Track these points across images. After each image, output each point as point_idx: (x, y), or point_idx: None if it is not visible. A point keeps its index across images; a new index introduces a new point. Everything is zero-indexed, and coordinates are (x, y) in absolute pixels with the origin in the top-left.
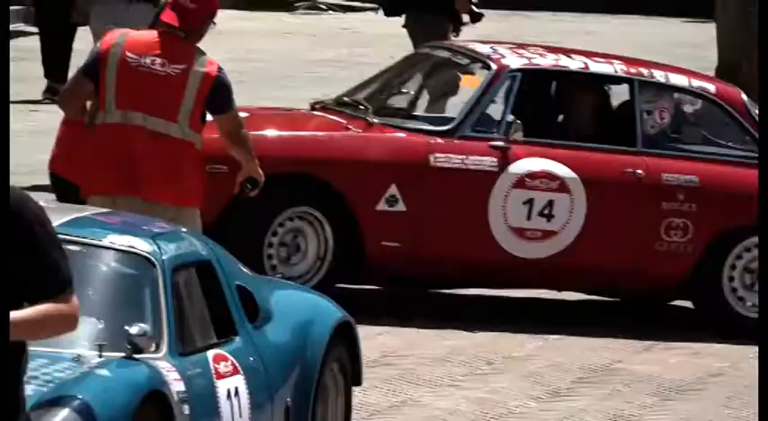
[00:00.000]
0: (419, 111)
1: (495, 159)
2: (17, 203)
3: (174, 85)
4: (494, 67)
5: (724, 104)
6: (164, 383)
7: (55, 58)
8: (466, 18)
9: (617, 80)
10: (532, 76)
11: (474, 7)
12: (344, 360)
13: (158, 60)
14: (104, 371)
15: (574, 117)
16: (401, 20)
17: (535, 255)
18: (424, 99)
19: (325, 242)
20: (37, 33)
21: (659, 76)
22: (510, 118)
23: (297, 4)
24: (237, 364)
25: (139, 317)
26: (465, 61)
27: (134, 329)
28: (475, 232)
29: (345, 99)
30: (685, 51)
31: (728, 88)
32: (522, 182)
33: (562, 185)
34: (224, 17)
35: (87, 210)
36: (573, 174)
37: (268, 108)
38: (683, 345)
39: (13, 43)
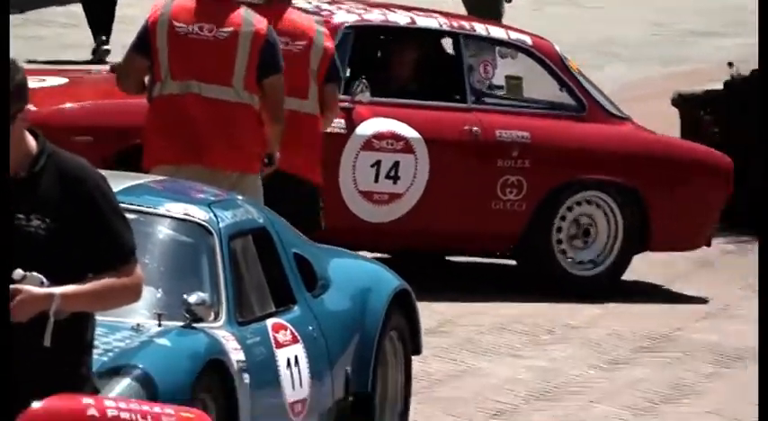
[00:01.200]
0: None
1: (343, 121)
2: (78, 172)
3: (225, 50)
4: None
5: (541, 56)
6: (223, 352)
7: (101, 19)
8: None
9: (443, 34)
10: (364, 33)
11: None
12: (403, 328)
13: (206, 26)
14: (164, 340)
15: (406, 74)
16: None
17: (382, 219)
18: None
19: None
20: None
21: (480, 29)
22: (347, 75)
23: None
24: (296, 333)
25: (197, 285)
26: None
27: (192, 298)
28: (327, 198)
29: None
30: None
31: (543, 40)
32: (369, 143)
33: (407, 146)
34: None
35: (142, 178)
36: (417, 134)
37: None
38: (742, 314)
39: (64, 9)
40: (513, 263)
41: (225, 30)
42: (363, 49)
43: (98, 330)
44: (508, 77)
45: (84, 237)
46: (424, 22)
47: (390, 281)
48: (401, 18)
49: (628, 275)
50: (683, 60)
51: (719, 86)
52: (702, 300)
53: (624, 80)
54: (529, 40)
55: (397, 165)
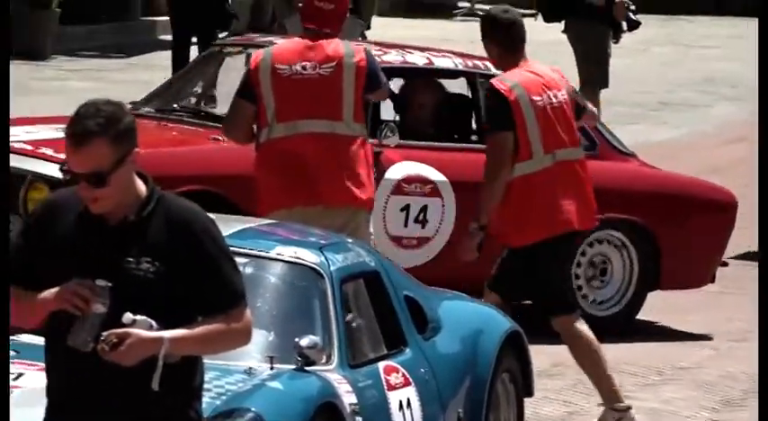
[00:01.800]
0: None
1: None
2: (187, 216)
3: (331, 84)
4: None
5: None
6: (335, 395)
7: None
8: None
9: (458, 74)
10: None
11: (631, 14)
12: (515, 370)
13: (308, 64)
14: (276, 384)
15: (426, 115)
16: (560, 26)
17: (412, 263)
18: None
19: None
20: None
21: (494, 68)
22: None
23: (455, 11)
24: (409, 375)
25: (309, 328)
26: None
27: (304, 341)
28: None
29: (172, 106)
30: None
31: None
32: (399, 187)
33: (434, 189)
34: (382, 23)
35: (252, 222)
36: (443, 178)
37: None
38: None
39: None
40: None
41: (328, 65)
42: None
43: (211, 374)
44: None
45: (194, 280)
46: (440, 62)
47: (502, 323)
48: (418, 59)
49: (738, 315)
50: None
51: None
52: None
53: (730, 119)
54: None
55: (425, 208)
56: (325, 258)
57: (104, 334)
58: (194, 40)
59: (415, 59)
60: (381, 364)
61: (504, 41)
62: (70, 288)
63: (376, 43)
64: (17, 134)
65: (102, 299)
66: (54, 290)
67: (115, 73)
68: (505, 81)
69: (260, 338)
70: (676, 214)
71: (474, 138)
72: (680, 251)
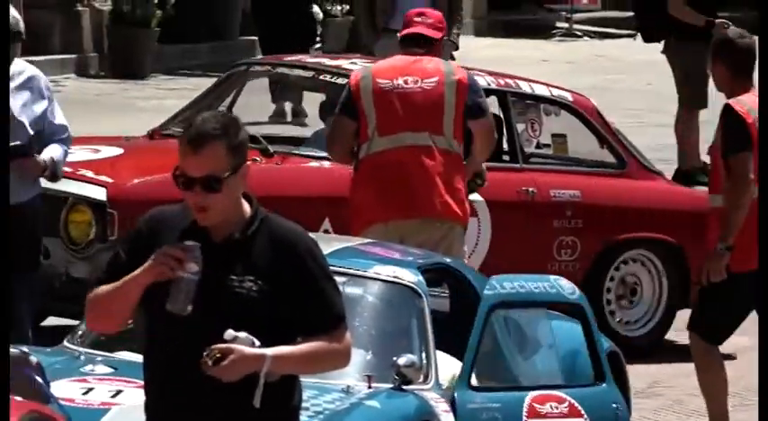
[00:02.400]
0: (311, 137)
1: None
2: (291, 236)
3: (433, 98)
4: None
5: (583, 113)
6: (432, 414)
7: None
8: None
9: (490, 93)
10: None
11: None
12: None
13: (410, 78)
14: (374, 402)
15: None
16: (659, 46)
17: None
18: (316, 123)
19: None
20: None
21: (525, 86)
22: None
23: (554, 31)
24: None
25: (407, 347)
26: (342, 81)
27: (402, 360)
28: None
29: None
30: None
31: (582, 97)
32: None
33: (471, 209)
34: (480, 44)
35: (351, 241)
36: (479, 197)
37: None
38: None
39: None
40: None
41: (430, 80)
42: None
43: (308, 392)
44: (554, 135)
45: (297, 300)
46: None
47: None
48: None
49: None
50: None
51: None
52: None
53: None
54: (570, 97)
55: None
56: (423, 277)
57: (208, 349)
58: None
59: None
60: (534, 392)
61: (737, 65)
62: (161, 252)
63: None
64: None
65: (195, 257)
66: (144, 265)
67: None
68: (743, 104)
69: (358, 357)
70: (704, 232)
71: (505, 158)
72: None
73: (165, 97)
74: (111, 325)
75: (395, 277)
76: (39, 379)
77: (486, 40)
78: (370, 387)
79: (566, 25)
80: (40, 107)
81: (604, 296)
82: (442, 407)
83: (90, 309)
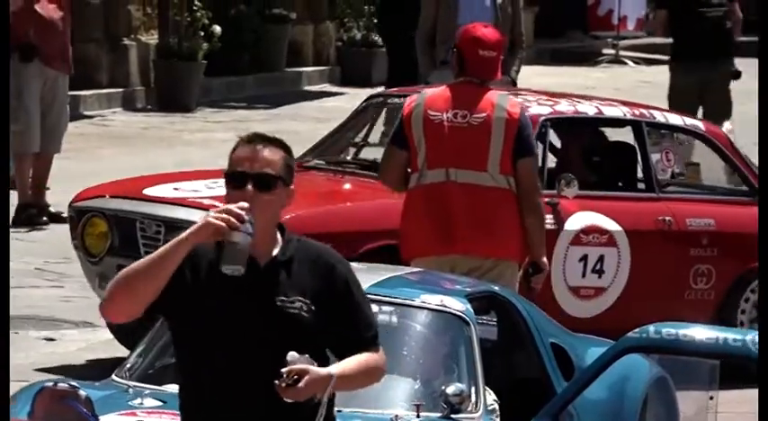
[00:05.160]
0: None
1: (552, 216)
2: (329, 258)
3: (479, 135)
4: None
5: (715, 142)
6: None
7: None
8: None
9: (626, 123)
10: (558, 125)
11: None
12: (662, 417)
13: (459, 113)
14: None
15: (596, 164)
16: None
17: (588, 314)
18: None
19: None
20: (340, 94)
21: (659, 116)
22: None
23: (600, 58)
24: None
25: (455, 376)
26: None
27: (450, 389)
28: (540, 294)
29: (342, 158)
30: None
31: (713, 126)
32: (578, 238)
33: (610, 239)
34: (530, 73)
35: (399, 271)
36: (618, 227)
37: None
38: None
39: (318, 103)
40: None
41: (479, 115)
42: (557, 141)
43: None
44: (688, 164)
45: (340, 318)
46: (609, 111)
47: (647, 368)
48: (589, 108)
49: None
50: None
51: None
52: None
53: None
54: (702, 126)
55: (602, 258)
56: (471, 306)
57: (284, 371)
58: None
59: (585, 109)
60: None
61: None
62: (221, 209)
63: (544, 93)
64: (198, 189)
65: (250, 218)
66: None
67: (260, 124)
68: None
69: (406, 386)
70: None
71: (641, 186)
72: None
73: (212, 130)
74: (129, 307)
75: (442, 306)
76: (87, 412)
77: (534, 69)
78: (418, 416)
79: (612, 52)
80: None
81: (738, 322)
82: None
83: (113, 289)
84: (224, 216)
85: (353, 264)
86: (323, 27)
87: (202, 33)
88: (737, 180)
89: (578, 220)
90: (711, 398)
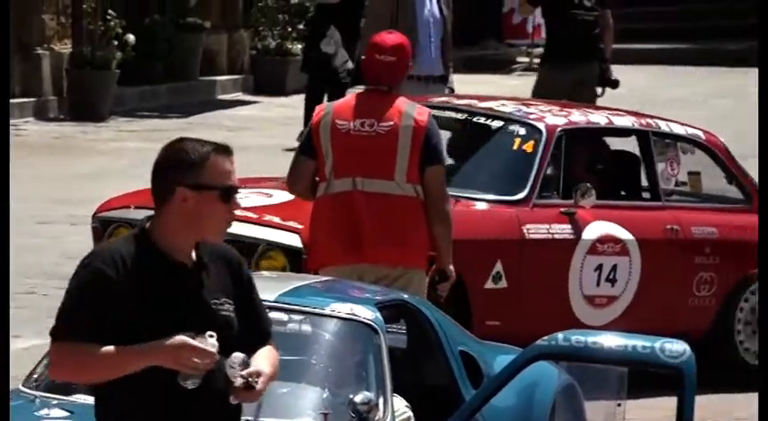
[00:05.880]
0: (464, 178)
1: (570, 226)
2: (234, 256)
3: (386, 144)
4: (542, 128)
5: (714, 151)
6: None
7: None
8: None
9: (633, 133)
10: (572, 135)
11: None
12: None
13: (366, 121)
14: None
15: (605, 174)
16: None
17: (600, 322)
18: (468, 164)
19: None
20: (254, 102)
21: (663, 126)
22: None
23: (514, 66)
24: None
25: (364, 385)
26: (497, 123)
27: (359, 397)
28: (558, 304)
29: None
30: None
31: (712, 135)
32: (594, 248)
33: (623, 248)
34: None
35: (308, 279)
36: (630, 236)
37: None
38: None
39: (232, 112)
40: None
41: (385, 124)
42: (570, 151)
43: None
44: (690, 173)
45: (252, 313)
46: (619, 121)
47: (556, 376)
48: (600, 119)
49: None
50: None
51: None
52: None
53: None
54: (702, 135)
55: (615, 267)
56: (380, 314)
57: (245, 373)
58: None
59: (597, 119)
60: None
61: None
62: (189, 350)
63: (555, 103)
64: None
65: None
66: (158, 345)
67: (174, 133)
68: None
69: (314, 395)
70: None
71: (646, 195)
72: None
73: (125, 139)
74: (84, 381)
75: (352, 314)
76: None
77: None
78: None
79: (526, 60)
80: None
81: (735, 328)
82: None
83: (67, 363)
84: (197, 364)
85: (264, 273)
86: (237, 36)
87: (116, 42)
88: (734, 189)
89: (594, 230)
90: (619, 405)
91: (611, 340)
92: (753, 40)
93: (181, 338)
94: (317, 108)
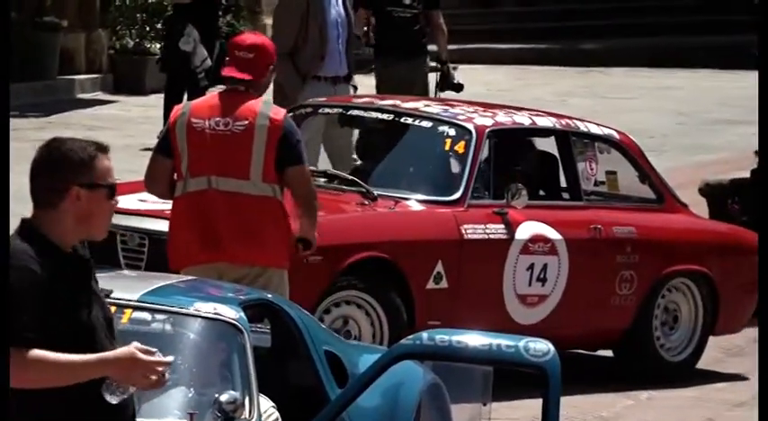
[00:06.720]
0: (395, 178)
1: (503, 226)
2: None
3: (241, 143)
4: (472, 128)
5: (628, 150)
6: None
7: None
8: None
9: (555, 133)
10: (499, 136)
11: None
12: None
13: (222, 120)
14: None
15: (531, 175)
16: None
17: (531, 321)
18: (397, 165)
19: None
20: (113, 102)
21: (582, 126)
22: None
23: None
24: None
25: (229, 384)
26: (426, 124)
27: (224, 397)
28: (493, 303)
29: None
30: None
31: (625, 135)
32: (526, 247)
33: (552, 248)
34: None
35: (171, 279)
36: (559, 236)
37: None
38: None
39: (91, 111)
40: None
41: (240, 123)
42: (498, 151)
43: None
44: (608, 172)
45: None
46: (541, 121)
47: (421, 375)
48: (524, 119)
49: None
50: (709, 149)
51: (746, 174)
52: (735, 389)
53: None
54: (617, 135)
55: (545, 267)
56: (245, 313)
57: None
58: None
59: (521, 120)
60: None
61: None
62: (144, 365)
63: (479, 104)
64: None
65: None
66: (108, 356)
67: (33, 132)
68: None
69: (179, 394)
70: (731, 263)
71: (565, 195)
72: (732, 298)
73: None
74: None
75: (216, 314)
76: None
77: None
78: None
79: None
80: None
81: (653, 325)
82: None
83: (25, 373)
84: (148, 382)
85: (125, 272)
86: (95, 35)
87: None
88: (647, 188)
89: (526, 230)
90: (485, 404)
91: (475, 339)
92: (608, 40)
93: (131, 350)
94: (176, 107)
